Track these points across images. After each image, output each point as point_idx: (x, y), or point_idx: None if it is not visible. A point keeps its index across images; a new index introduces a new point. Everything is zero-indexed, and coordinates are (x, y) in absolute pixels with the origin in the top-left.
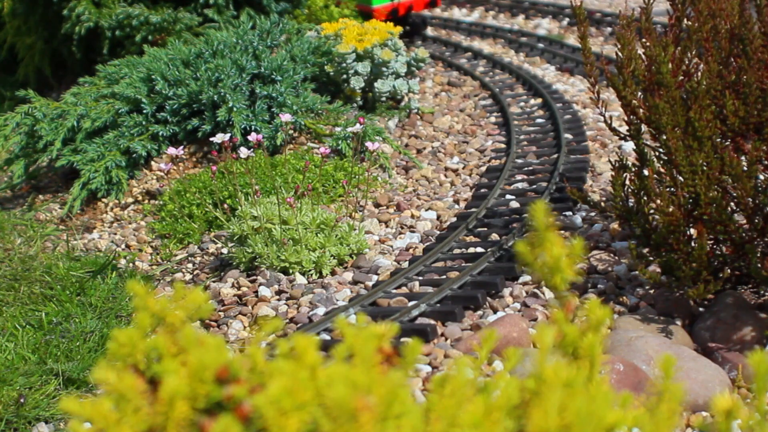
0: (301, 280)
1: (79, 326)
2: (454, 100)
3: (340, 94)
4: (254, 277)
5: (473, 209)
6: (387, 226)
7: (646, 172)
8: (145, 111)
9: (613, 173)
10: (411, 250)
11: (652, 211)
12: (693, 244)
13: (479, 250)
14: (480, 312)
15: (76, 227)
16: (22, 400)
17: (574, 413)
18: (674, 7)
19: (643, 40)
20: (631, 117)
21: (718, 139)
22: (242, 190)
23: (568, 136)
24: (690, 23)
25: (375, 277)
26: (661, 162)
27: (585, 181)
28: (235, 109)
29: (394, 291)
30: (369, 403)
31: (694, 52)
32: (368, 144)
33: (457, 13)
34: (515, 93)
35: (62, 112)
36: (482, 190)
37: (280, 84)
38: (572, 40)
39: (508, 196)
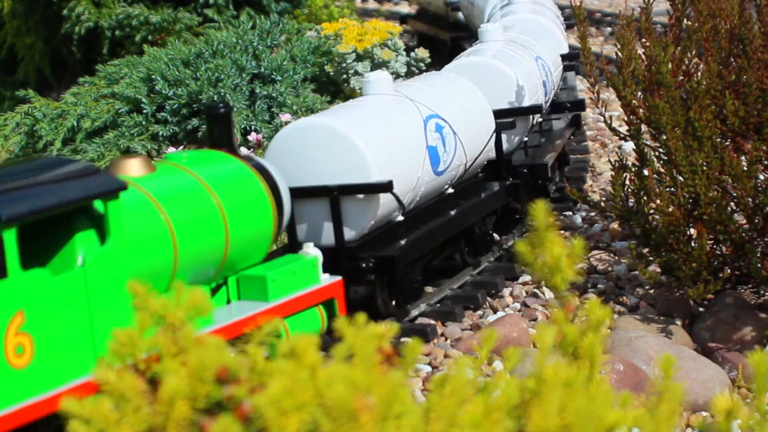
0: None
1: None
2: None
3: (340, 94)
4: None
5: None
6: None
7: (646, 172)
8: (145, 111)
9: (613, 173)
10: None
11: (652, 211)
12: (693, 244)
13: None
14: (480, 312)
15: None
16: None
17: (574, 413)
18: (674, 7)
19: (643, 40)
20: (631, 117)
21: (718, 139)
22: None
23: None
24: (690, 23)
25: None
26: (661, 162)
27: (585, 181)
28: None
29: None
30: (369, 403)
31: (694, 52)
32: None
33: None
34: None
35: (62, 112)
36: None
37: (280, 84)
38: (572, 40)
39: None
